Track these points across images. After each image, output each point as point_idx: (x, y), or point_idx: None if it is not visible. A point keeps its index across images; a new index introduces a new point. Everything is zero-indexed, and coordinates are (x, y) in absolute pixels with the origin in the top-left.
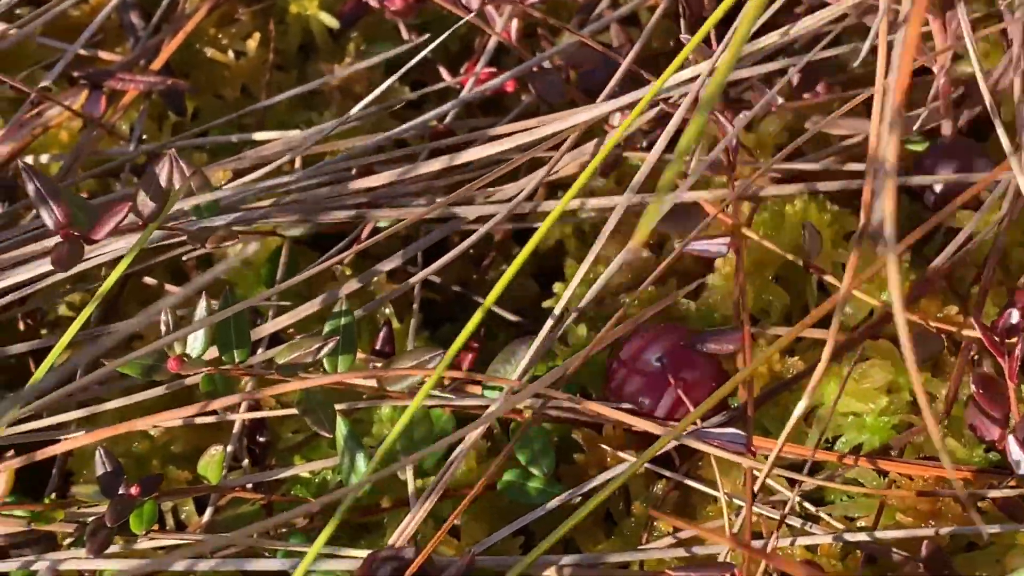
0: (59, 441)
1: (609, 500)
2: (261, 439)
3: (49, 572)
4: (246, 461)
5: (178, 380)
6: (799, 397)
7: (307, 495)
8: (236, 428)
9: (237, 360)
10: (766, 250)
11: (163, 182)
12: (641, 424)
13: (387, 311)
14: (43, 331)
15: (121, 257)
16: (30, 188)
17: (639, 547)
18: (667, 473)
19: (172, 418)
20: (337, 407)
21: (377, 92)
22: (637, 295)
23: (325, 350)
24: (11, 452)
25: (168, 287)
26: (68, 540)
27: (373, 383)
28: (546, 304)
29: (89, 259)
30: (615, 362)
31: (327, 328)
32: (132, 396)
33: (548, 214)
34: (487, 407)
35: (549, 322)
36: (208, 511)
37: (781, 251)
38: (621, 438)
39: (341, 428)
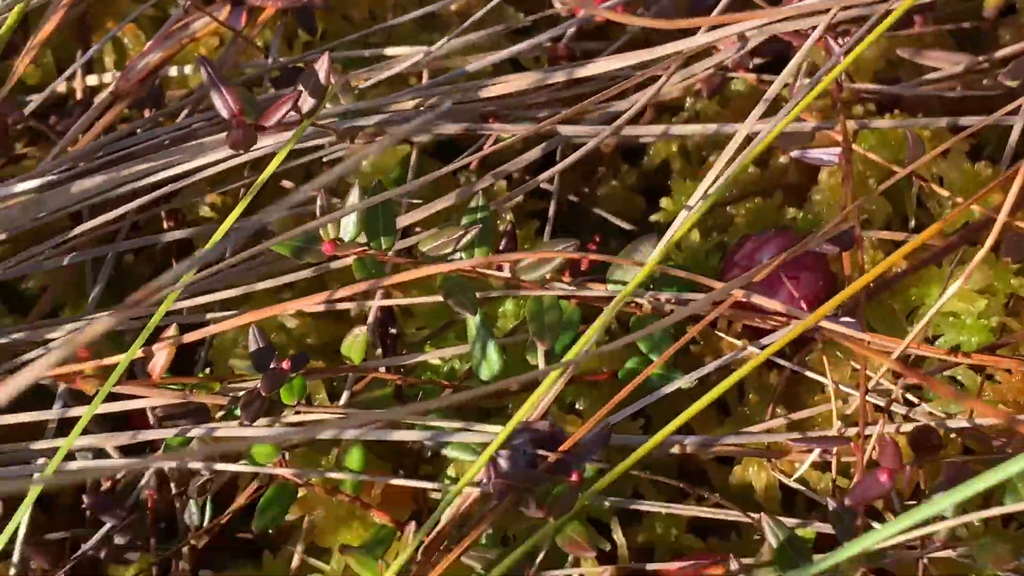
0: (207, 324)
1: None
2: (392, 331)
3: (201, 440)
4: (379, 351)
5: (325, 264)
6: (903, 297)
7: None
8: (371, 318)
9: (383, 247)
10: (868, 163)
11: (322, 79)
12: (771, 309)
13: (508, 217)
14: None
15: (259, 159)
16: (204, 77)
17: (753, 431)
18: (781, 362)
19: (316, 302)
20: None
21: (485, 10)
22: (744, 206)
23: (466, 239)
24: (172, 329)
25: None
26: (220, 413)
27: (501, 278)
28: (654, 218)
29: (229, 159)
30: (728, 263)
31: (465, 220)
32: (277, 279)
33: (656, 133)
34: (611, 299)
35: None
36: (345, 394)
37: (883, 161)
38: (735, 332)
39: (473, 320)
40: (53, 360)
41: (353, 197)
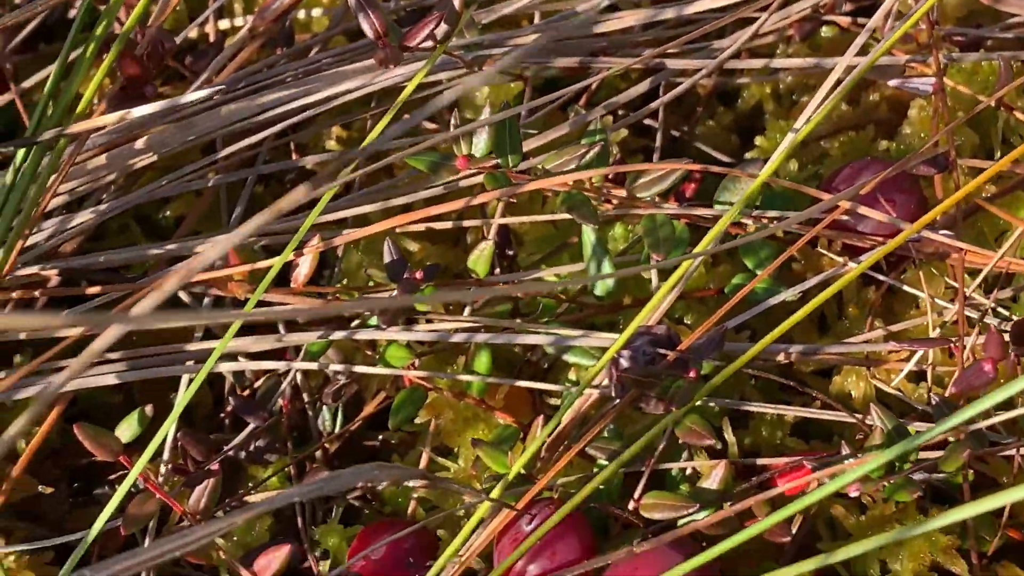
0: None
1: (823, 304)
2: (509, 252)
3: (334, 351)
4: (497, 271)
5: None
6: (991, 222)
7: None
8: (492, 232)
9: (511, 164)
10: (956, 98)
11: (456, 6)
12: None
13: (615, 151)
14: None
15: (384, 92)
16: (352, 1)
17: (852, 342)
18: (879, 276)
19: (450, 209)
20: None
21: None
22: (838, 139)
23: (587, 156)
24: (315, 239)
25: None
26: (356, 322)
27: (617, 196)
28: (749, 155)
29: (352, 92)
30: (827, 188)
31: (584, 140)
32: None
33: (756, 67)
34: (717, 218)
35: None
36: (467, 310)
37: (972, 92)
38: (834, 251)
39: (588, 235)
40: (209, 257)
41: (485, 113)
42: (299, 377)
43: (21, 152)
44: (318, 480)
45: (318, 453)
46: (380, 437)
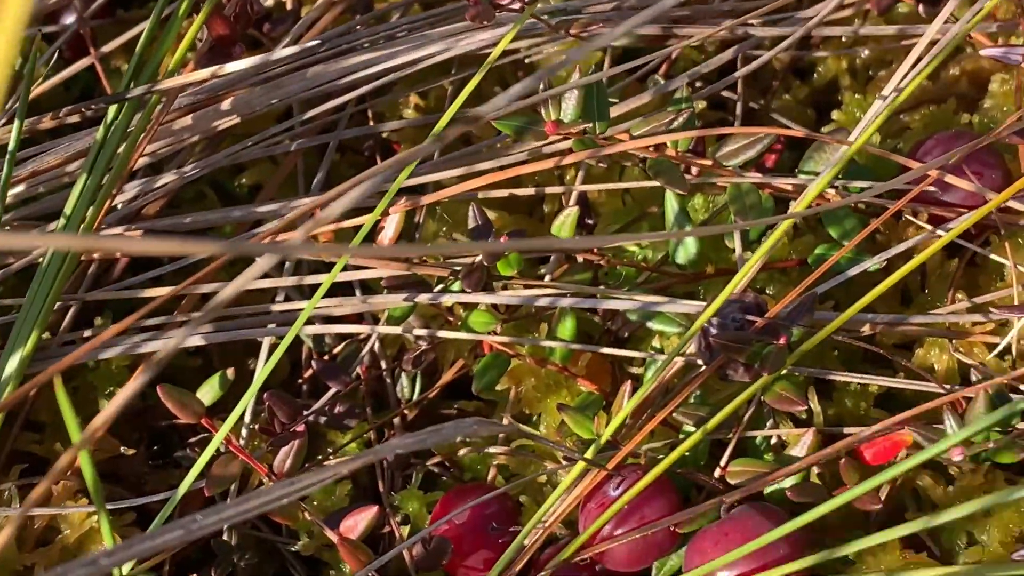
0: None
1: (906, 276)
2: (588, 221)
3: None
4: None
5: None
6: None
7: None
8: (572, 199)
9: (598, 131)
10: None
11: None
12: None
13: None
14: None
15: (464, 55)
16: None
17: (936, 313)
18: (964, 243)
19: (539, 168)
20: None
21: None
22: (919, 112)
23: (676, 122)
24: (402, 201)
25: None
26: (440, 286)
27: (702, 164)
28: (825, 129)
29: (432, 57)
30: (911, 159)
31: (670, 107)
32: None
33: (848, 31)
34: (801, 189)
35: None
36: (547, 278)
37: None
38: (920, 220)
39: (671, 203)
40: (335, 211)
41: (574, 77)
42: (376, 345)
43: (113, 109)
44: (421, 433)
45: (396, 420)
46: (456, 406)
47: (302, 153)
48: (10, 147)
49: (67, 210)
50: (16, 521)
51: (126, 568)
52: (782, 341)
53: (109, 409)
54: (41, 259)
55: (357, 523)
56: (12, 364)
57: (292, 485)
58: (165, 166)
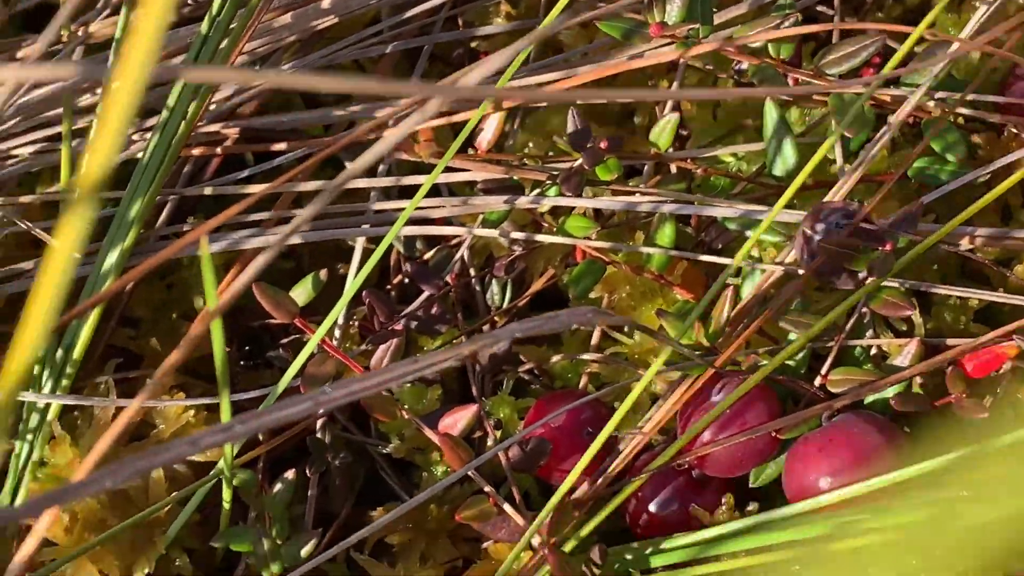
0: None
1: (1006, 192)
2: (683, 131)
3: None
4: (670, 149)
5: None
6: None
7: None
8: (668, 108)
9: (701, 34)
10: None
11: None
12: None
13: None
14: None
15: None
16: None
17: None
18: None
19: (643, 64)
20: None
21: None
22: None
23: (784, 24)
24: (500, 111)
25: None
26: (535, 191)
27: (805, 74)
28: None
29: None
30: (1012, 77)
31: (774, 12)
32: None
33: None
34: (901, 101)
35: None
36: (641, 186)
37: None
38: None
39: (771, 112)
40: (432, 108)
41: None
42: (466, 253)
43: (217, 3)
44: (538, 318)
45: (485, 327)
46: (570, 296)
47: (396, 55)
48: (116, 35)
49: (170, 103)
50: (131, 412)
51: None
52: (888, 247)
53: (243, 277)
54: (142, 153)
55: (457, 421)
56: (111, 258)
57: (392, 370)
58: (260, 66)
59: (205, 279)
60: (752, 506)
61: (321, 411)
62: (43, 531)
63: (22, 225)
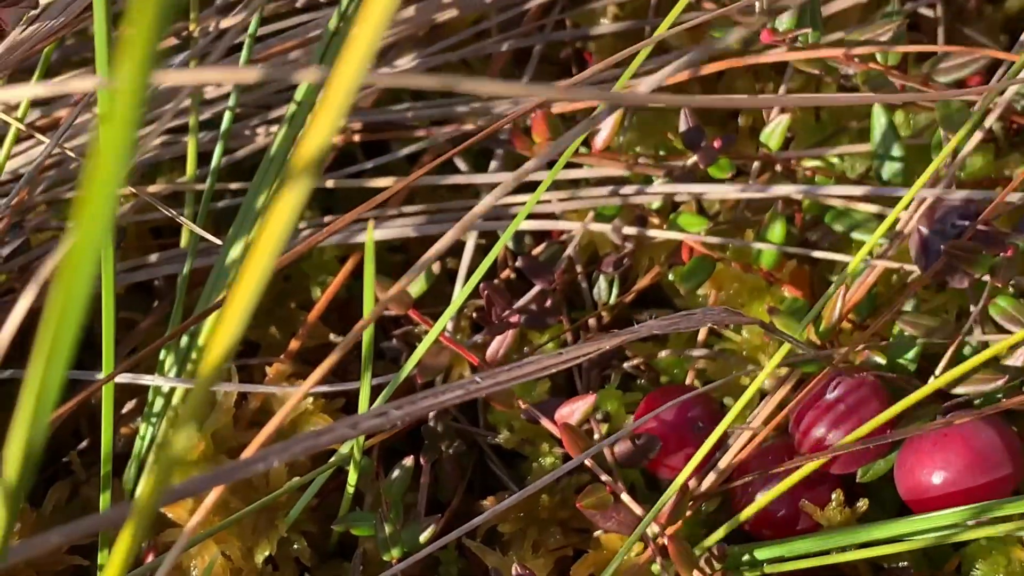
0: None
1: None
2: (787, 134)
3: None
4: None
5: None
6: None
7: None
8: (775, 111)
9: (811, 39)
10: None
11: None
12: None
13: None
14: None
15: None
16: None
17: None
18: None
19: (746, 63)
20: None
21: None
22: None
23: (888, 35)
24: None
25: None
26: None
27: (915, 78)
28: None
29: None
30: None
31: (882, 19)
32: None
33: None
34: (1009, 108)
35: None
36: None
37: None
38: None
39: (880, 116)
40: (554, 95)
41: None
42: (572, 250)
43: None
44: (674, 317)
45: (592, 322)
46: (648, 313)
47: (503, 58)
48: (250, 30)
49: (297, 96)
50: (261, 395)
51: (351, 446)
52: (1010, 253)
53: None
54: (270, 146)
55: (574, 411)
56: (236, 250)
57: (516, 368)
58: (380, 59)
59: (366, 268)
60: (862, 502)
61: (476, 395)
62: (210, 505)
63: (150, 216)
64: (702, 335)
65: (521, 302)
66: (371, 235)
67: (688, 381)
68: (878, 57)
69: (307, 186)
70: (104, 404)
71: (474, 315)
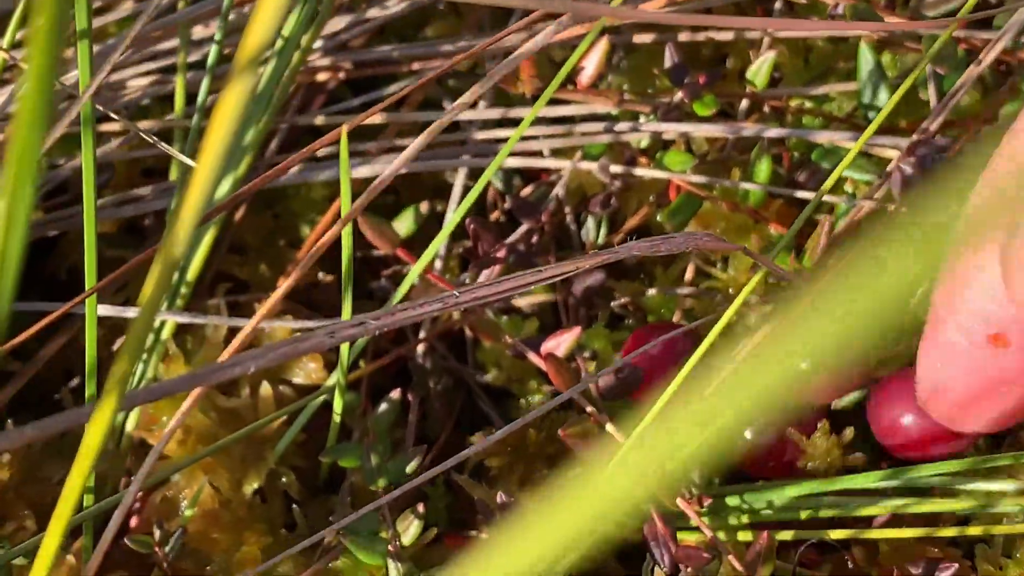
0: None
1: None
2: (775, 74)
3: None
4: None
5: None
6: None
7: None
8: (764, 46)
9: None
10: None
11: None
12: None
13: None
14: None
15: None
16: None
17: None
18: None
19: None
20: None
21: None
22: None
23: None
24: (603, 40)
25: None
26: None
27: (902, 17)
28: None
29: None
30: None
31: None
32: None
33: None
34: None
35: None
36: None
37: None
38: None
39: (866, 55)
40: (552, 31)
41: None
42: (561, 190)
43: None
44: (656, 239)
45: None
46: (667, 228)
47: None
48: None
49: (284, 32)
50: (248, 329)
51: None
52: None
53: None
54: (257, 83)
55: (560, 343)
56: (224, 186)
57: (527, 277)
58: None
59: (342, 179)
60: (848, 431)
61: (455, 309)
62: (187, 413)
63: (140, 153)
64: (689, 274)
65: (509, 240)
66: (344, 149)
67: (675, 319)
68: None
69: (250, 79)
70: (87, 326)
71: (462, 251)
